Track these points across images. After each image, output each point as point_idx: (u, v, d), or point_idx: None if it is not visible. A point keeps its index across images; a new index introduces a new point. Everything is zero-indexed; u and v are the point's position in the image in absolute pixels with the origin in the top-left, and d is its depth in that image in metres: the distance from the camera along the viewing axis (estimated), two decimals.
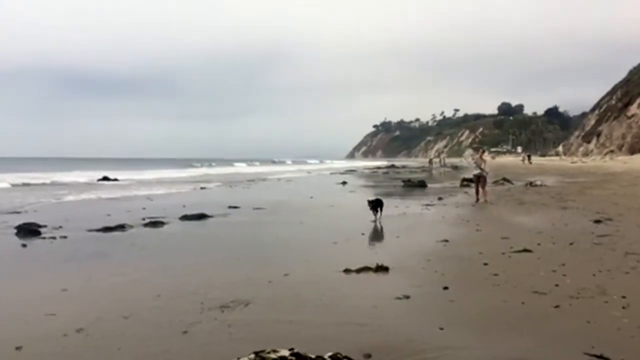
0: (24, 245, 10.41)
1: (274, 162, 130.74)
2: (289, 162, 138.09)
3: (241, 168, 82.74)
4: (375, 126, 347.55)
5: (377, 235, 11.43)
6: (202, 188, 29.46)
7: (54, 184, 32.59)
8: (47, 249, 10.10)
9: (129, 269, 8.33)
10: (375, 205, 13.81)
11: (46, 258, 9.33)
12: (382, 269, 7.80)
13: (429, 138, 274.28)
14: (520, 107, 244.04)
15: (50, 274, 8.05)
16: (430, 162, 79.55)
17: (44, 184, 32.53)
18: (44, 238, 11.11)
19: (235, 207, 17.04)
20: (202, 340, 5.02)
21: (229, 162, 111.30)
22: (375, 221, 13.24)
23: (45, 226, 12.24)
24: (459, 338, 4.99)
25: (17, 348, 4.75)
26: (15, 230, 11.70)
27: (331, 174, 52.90)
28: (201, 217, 14.59)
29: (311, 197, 21.50)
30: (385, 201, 14.63)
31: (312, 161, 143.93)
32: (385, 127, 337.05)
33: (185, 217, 14.38)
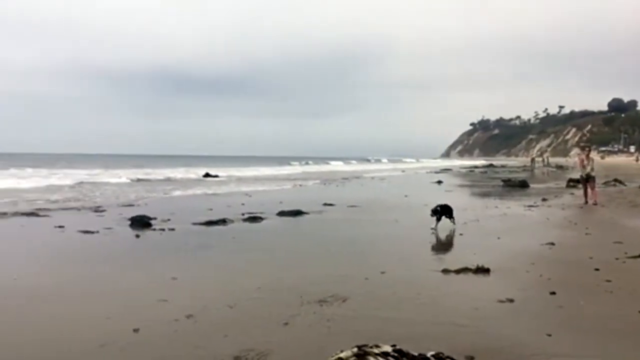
0: (137, 236, 11.20)
1: (369, 161, 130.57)
2: (384, 160, 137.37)
3: (336, 166, 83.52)
4: (472, 124, 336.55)
5: (476, 236, 11.07)
6: (299, 185, 30.10)
7: (162, 180, 34.73)
8: (157, 240, 10.78)
9: (231, 261, 8.72)
10: (442, 212, 12.00)
11: (157, 248, 9.97)
12: (482, 270, 7.55)
13: (530, 136, 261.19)
14: (633, 103, 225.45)
15: (161, 263, 8.59)
16: (532, 161, 75.53)
17: (156, 180, 34.78)
18: (154, 230, 11.88)
19: (330, 205, 17.24)
20: (302, 332, 5.14)
21: (324, 160, 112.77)
22: (434, 230, 11.55)
23: (155, 219, 13.07)
24: (570, 345, 4.72)
25: (135, 330, 5.12)
26: (129, 222, 12.62)
27: (426, 172, 52.01)
28: (297, 213, 14.90)
29: (406, 196, 21.28)
30: (483, 201, 14.17)
31: (408, 160, 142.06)
32: (482, 125, 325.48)
33: (282, 213, 14.76)
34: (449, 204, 12.31)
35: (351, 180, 37.31)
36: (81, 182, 29.59)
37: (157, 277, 7.44)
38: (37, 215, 14.32)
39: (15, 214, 14.45)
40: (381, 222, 13.51)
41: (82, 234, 11.10)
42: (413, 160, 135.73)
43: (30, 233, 11.65)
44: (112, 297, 6.40)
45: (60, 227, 12.03)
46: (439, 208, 12.00)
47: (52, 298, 6.38)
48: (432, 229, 11.56)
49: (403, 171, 58.72)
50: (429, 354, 3.56)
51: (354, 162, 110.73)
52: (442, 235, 10.96)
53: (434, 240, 10.59)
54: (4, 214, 14.40)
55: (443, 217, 12.00)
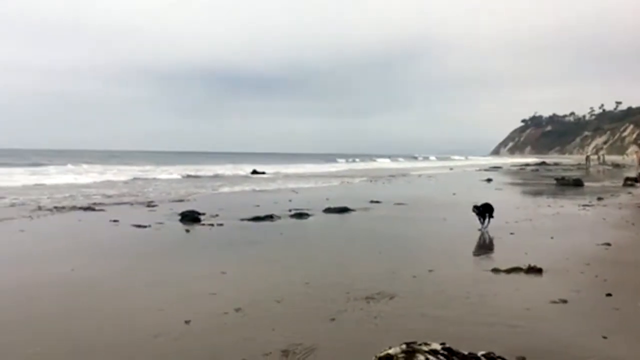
0: (187, 231, 11.47)
1: (416, 158, 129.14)
2: (432, 157, 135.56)
3: (383, 164, 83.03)
4: (523, 121, 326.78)
5: (528, 235, 10.78)
6: (346, 183, 30.09)
7: (211, 177, 35.43)
8: (206, 234, 11.01)
9: (278, 257, 8.81)
10: (483, 211, 11.57)
11: (206, 243, 10.18)
12: (534, 270, 7.35)
13: (585, 133, 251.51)
14: None
15: (211, 257, 8.77)
16: (587, 159, 72.88)
17: (204, 176, 35.53)
18: (203, 225, 12.14)
19: (376, 202, 17.17)
20: (349, 328, 5.14)
21: (371, 157, 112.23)
22: (481, 229, 11.25)
23: (204, 214, 13.36)
24: (626, 348, 4.54)
25: (186, 322, 5.25)
26: (179, 217, 12.94)
27: (476, 170, 50.99)
28: (344, 210, 14.91)
29: (454, 194, 20.94)
30: (535, 200, 13.77)
31: (457, 157, 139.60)
32: (535, 122, 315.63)
33: (328, 210, 14.80)
34: (491, 202, 11.89)
35: (398, 177, 37.01)
36: (135, 178, 30.56)
37: (206, 271, 7.61)
38: (93, 209, 14.89)
39: (73, 208, 15.07)
40: (429, 220, 13.35)
41: (135, 228, 11.46)
42: (462, 158, 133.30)
43: (87, 226, 12.11)
44: (164, 290, 6.58)
45: (114, 221, 12.47)
46: (481, 208, 11.60)
47: (107, 289, 6.63)
48: (479, 230, 11.25)
49: (451, 169, 57.80)
50: (479, 354, 3.50)
51: (401, 159, 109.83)
52: (492, 235, 10.72)
53: (483, 239, 10.38)
54: (62, 207, 15.04)
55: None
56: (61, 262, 8.12)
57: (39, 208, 14.87)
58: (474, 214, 11.58)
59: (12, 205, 15.66)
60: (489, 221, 11.47)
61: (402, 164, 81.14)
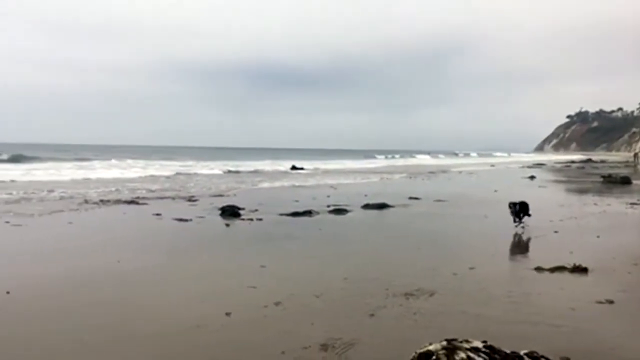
0: (227, 225, 11.65)
1: (456, 155, 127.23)
2: (473, 154, 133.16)
3: (423, 160, 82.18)
4: (569, 116, 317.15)
5: (573, 233, 10.50)
6: (387, 179, 29.94)
7: (251, 172, 35.82)
8: (246, 229, 11.16)
9: (316, 252, 8.86)
10: (520, 209, 11.18)
11: (246, 237, 10.31)
12: (579, 269, 7.17)
13: (634, 129, 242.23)
14: None
15: (250, 251, 8.89)
16: (635, 156, 70.14)
17: (244, 172, 35.95)
18: (243, 219, 12.30)
19: (415, 198, 17.02)
20: (388, 324, 5.13)
21: (411, 153, 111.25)
22: (517, 226, 10.96)
23: (243, 209, 13.52)
24: None
25: (227, 314, 5.35)
26: (220, 212, 13.15)
27: (518, 167, 49.89)
28: (382, 206, 14.84)
29: (495, 191, 20.55)
30: (581, 198, 13.38)
31: (499, 154, 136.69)
32: (580, 118, 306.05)
33: (367, 206, 14.76)
34: (534, 200, 11.55)
35: (438, 174, 36.57)
36: (177, 173, 31.19)
37: (246, 264, 7.72)
38: (137, 203, 15.28)
39: (118, 201, 15.50)
40: (469, 217, 13.15)
41: (177, 222, 11.71)
42: (504, 155, 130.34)
43: (131, 220, 12.44)
44: (205, 282, 6.72)
45: (157, 214, 12.77)
46: (517, 206, 11.17)
47: (151, 281, 6.81)
48: (516, 225, 10.98)
49: (492, 165, 56.71)
50: (521, 352, 3.44)
51: (441, 155, 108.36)
52: (536, 233, 10.49)
53: (526, 237, 10.16)
54: (108, 201, 15.49)
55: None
56: (107, 253, 8.37)
57: (86, 201, 15.35)
58: (509, 206, 11.27)
59: (61, 198, 16.22)
60: (522, 219, 11.12)
61: (442, 161, 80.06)
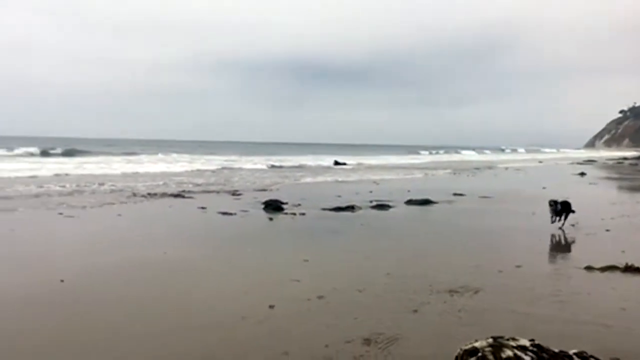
0: (271, 219, 11.77)
1: (503, 150, 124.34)
2: (521, 150, 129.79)
3: (468, 156, 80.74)
4: (622, 111, 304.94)
5: (625, 232, 10.12)
6: (431, 175, 29.59)
7: (294, 167, 36.03)
8: (288, 223, 11.24)
9: (359, 247, 8.84)
10: (562, 209, 10.70)
11: (289, 231, 10.40)
12: (632, 269, 6.90)
13: None
14: None
15: (293, 245, 8.96)
16: None
17: (287, 167, 36.21)
18: (286, 213, 12.40)
19: (460, 195, 16.76)
20: (432, 320, 5.08)
21: (455, 149, 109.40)
22: (556, 223, 10.63)
23: (286, 203, 13.63)
24: None
25: (270, 306, 5.41)
26: (263, 206, 13.30)
27: (568, 164, 48.39)
28: (426, 202, 14.68)
29: (544, 188, 19.98)
30: (634, 196, 12.86)
31: (547, 150, 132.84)
32: (634, 113, 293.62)
33: (410, 202, 14.63)
34: (585, 197, 11.11)
35: (483, 170, 35.88)
36: (223, 168, 31.71)
37: (289, 258, 7.78)
38: (182, 196, 15.62)
39: (164, 195, 15.88)
40: (516, 214, 12.85)
41: (222, 215, 11.91)
42: (553, 151, 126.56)
43: (177, 212, 12.73)
44: (248, 274, 6.81)
45: (202, 208, 13.02)
46: (559, 204, 10.76)
47: (196, 272, 6.95)
48: (553, 222, 10.67)
49: (541, 162, 55.21)
50: (570, 352, 3.34)
51: (487, 151, 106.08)
52: (586, 231, 10.16)
53: (576, 236, 9.85)
54: (155, 194, 15.89)
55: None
56: (154, 245, 8.60)
57: (134, 194, 15.80)
58: (549, 204, 10.84)
59: (111, 191, 16.74)
60: (564, 221, 10.70)
61: (488, 157, 78.41)
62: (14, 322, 5.03)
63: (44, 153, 42.16)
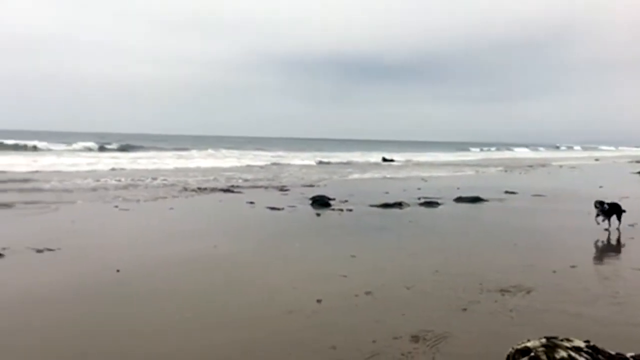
0: (318, 215, 11.82)
1: (558, 148, 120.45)
2: (576, 147, 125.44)
3: (521, 153, 78.71)
4: None
5: None
6: (482, 172, 29.01)
7: (342, 163, 36.07)
8: (336, 219, 11.26)
9: (407, 244, 8.77)
10: (610, 210, 10.13)
11: (336, 227, 10.41)
12: None
13: None
14: None
15: (341, 241, 8.97)
16: None
17: (335, 163, 36.30)
18: (333, 209, 12.43)
19: (512, 193, 16.36)
20: (482, 319, 4.99)
21: (507, 146, 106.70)
22: (617, 227, 10.04)
23: (333, 199, 13.66)
24: None
25: (318, 301, 5.45)
26: (310, 202, 13.38)
27: (627, 162, 46.37)
28: (476, 200, 14.41)
29: (600, 187, 19.24)
30: None
31: (604, 147, 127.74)
32: None
33: (459, 199, 14.39)
34: (620, 203, 10.49)
35: (536, 168, 34.87)
36: (272, 164, 32.10)
37: (337, 253, 7.80)
38: (231, 191, 15.91)
39: (214, 189, 16.22)
40: (571, 213, 12.42)
41: (270, 210, 12.06)
42: (611, 148, 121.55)
43: (226, 207, 12.98)
44: (296, 269, 6.87)
45: (251, 202, 13.22)
46: (607, 206, 10.12)
47: (245, 266, 7.07)
48: (599, 222, 10.11)
49: (597, 159, 53.18)
50: (628, 355, 3.22)
51: (541, 149, 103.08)
52: None
53: (634, 236, 9.45)
54: (205, 189, 16.26)
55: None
56: (205, 238, 8.79)
57: (185, 189, 16.21)
58: (595, 206, 10.20)
59: (164, 185, 17.25)
60: (619, 223, 10.13)
61: (542, 154, 76.18)
62: (73, 307, 5.26)
63: (101, 148, 43.81)
